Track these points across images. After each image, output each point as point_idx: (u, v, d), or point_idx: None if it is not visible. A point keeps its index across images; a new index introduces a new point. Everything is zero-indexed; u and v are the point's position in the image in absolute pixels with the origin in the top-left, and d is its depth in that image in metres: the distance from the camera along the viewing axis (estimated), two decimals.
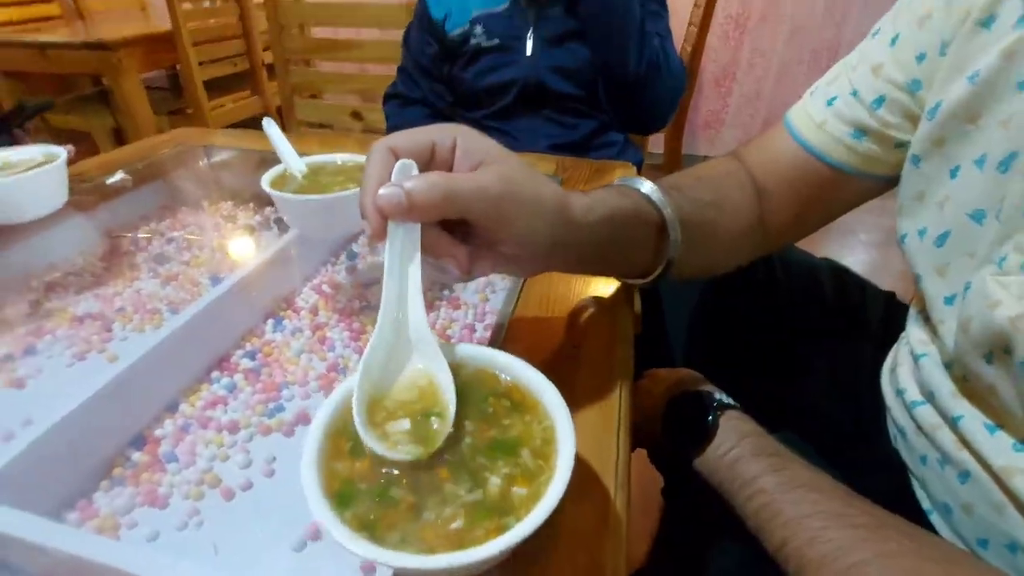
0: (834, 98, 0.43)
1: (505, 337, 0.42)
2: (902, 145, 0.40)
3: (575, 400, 0.35)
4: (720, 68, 2.38)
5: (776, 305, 0.58)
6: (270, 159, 0.54)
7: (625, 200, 0.37)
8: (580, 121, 1.01)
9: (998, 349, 0.31)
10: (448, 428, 0.26)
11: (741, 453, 0.38)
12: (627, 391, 0.37)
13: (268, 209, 0.68)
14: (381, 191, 0.27)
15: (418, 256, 0.29)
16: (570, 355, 0.40)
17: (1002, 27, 0.33)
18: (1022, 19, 0.32)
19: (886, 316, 0.55)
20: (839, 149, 0.43)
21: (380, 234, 0.28)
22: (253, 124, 0.72)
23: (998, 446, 0.33)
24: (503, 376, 0.29)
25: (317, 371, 0.44)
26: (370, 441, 0.25)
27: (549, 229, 0.31)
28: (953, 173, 0.36)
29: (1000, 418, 0.33)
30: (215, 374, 0.43)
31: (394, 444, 0.26)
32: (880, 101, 0.40)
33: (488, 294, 0.53)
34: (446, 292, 0.53)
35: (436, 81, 1.05)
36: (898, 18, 0.41)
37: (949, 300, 0.37)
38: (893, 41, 0.40)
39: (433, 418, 0.27)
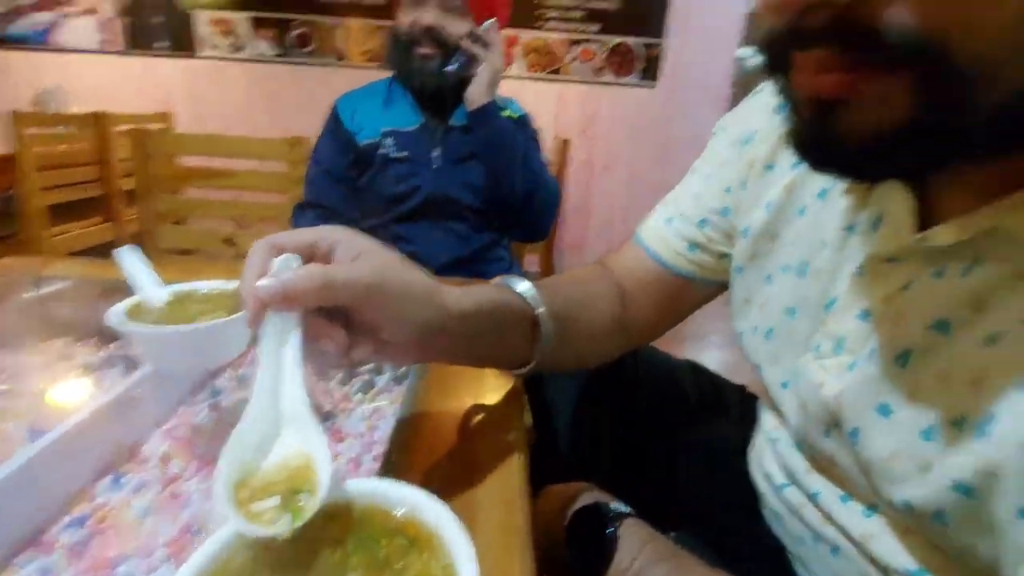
0: (671, 218, 0.53)
1: (396, 466, 0.40)
2: (727, 256, 0.48)
3: (475, 528, 0.33)
4: (579, 201, 2.76)
5: (645, 403, 0.63)
6: (121, 289, 0.49)
7: (500, 294, 0.41)
8: (475, 235, 1.10)
9: (831, 424, 0.36)
10: (318, 504, 0.25)
11: (644, 563, 0.38)
12: (527, 515, 0.36)
13: (114, 345, 0.60)
14: (260, 282, 0.29)
15: (296, 340, 0.30)
16: (465, 479, 0.39)
17: (782, 168, 0.43)
18: (795, 163, 0.42)
19: (742, 407, 0.62)
20: (680, 259, 0.51)
21: (256, 321, 0.30)
22: (104, 252, 0.66)
23: (852, 515, 0.37)
24: (396, 511, 0.27)
25: (166, 535, 0.37)
26: (234, 518, 0.24)
27: (421, 314, 0.34)
28: (768, 280, 0.44)
29: (848, 487, 0.38)
30: (24, 556, 0.34)
31: (259, 520, 0.24)
32: (704, 222, 0.50)
33: (375, 421, 0.50)
34: (328, 422, 0.49)
35: (347, 189, 1.10)
36: (706, 162, 0.52)
37: (785, 385, 0.42)
38: (706, 177, 0.51)
39: (304, 495, 0.26)
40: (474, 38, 1.03)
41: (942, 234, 0.29)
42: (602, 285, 0.53)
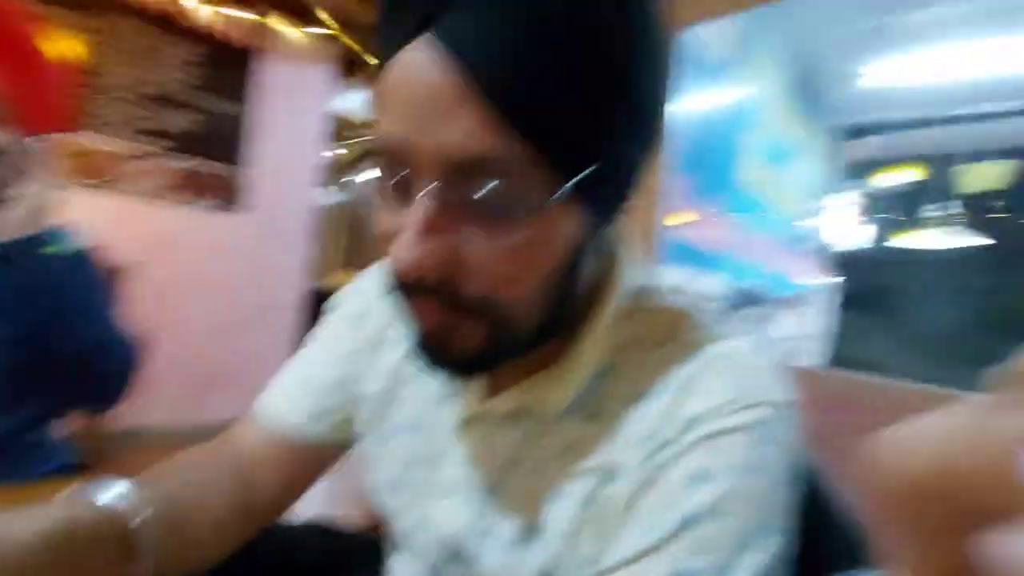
0: (291, 389, 0.53)
1: None
2: (348, 420, 0.53)
3: None
4: (150, 329, 2.34)
5: None
6: None
7: (70, 514, 0.34)
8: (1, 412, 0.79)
9: (456, 554, 0.44)
10: None
11: None
12: None
13: None
14: None
15: None
16: None
17: (392, 344, 0.50)
18: (399, 342, 0.50)
19: (371, 556, 0.65)
20: (302, 429, 0.51)
21: None
22: None
23: None
24: None
25: None
26: None
27: None
28: (387, 440, 0.50)
29: None
30: None
31: None
32: (323, 391, 0.52)
33: None
34: None
35: None
36: (322, 335, 0.56)
37: (415, 529, 0.48)
38: (324, 349, 0.54)
39: None
40: (12, 154, 0.80)
41: (499, 405, 0.42)
42: (220, 469, 0.48)
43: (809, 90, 2.69)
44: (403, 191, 0.32)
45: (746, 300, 2.44)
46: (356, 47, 2.84)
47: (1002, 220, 2.78)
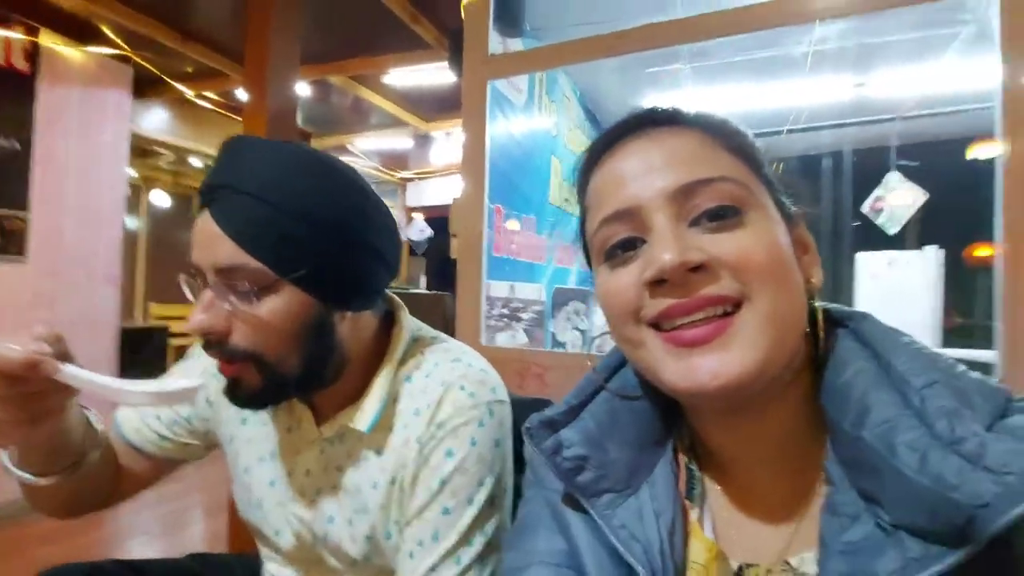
0: (145, 416, 0.69)
1: None
2: (189, 445, 0.70)
3: None
4: None
5: None
6: None
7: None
8: None
9: (314, 538, 0.62)
10: None
11: None
12: None
13: None
14: None
15: None
16: None
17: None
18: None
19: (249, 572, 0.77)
20: (149, 445, 0.69)
21: None
22: None
23: None
24: None
25: None
26: None
27: None
28: (247, 471, 0.66)
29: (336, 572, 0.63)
30: None
31: None
32: (175, 423, 0.69)
33: None
34: None
35: None
36: (183, 370, 0.70)
37: (278, 533, 0.64)
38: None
39: None
40: None
41: (326, 431, 0.61)
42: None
43: (598, 121, 3.23)
44: (197, 287, 0.55)
45: (566, 299, 2.87)
46: (149, 67, 2.63)
47: None
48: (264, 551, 0.70)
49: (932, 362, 0.34)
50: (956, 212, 2.97)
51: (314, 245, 0.52)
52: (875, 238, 3.29)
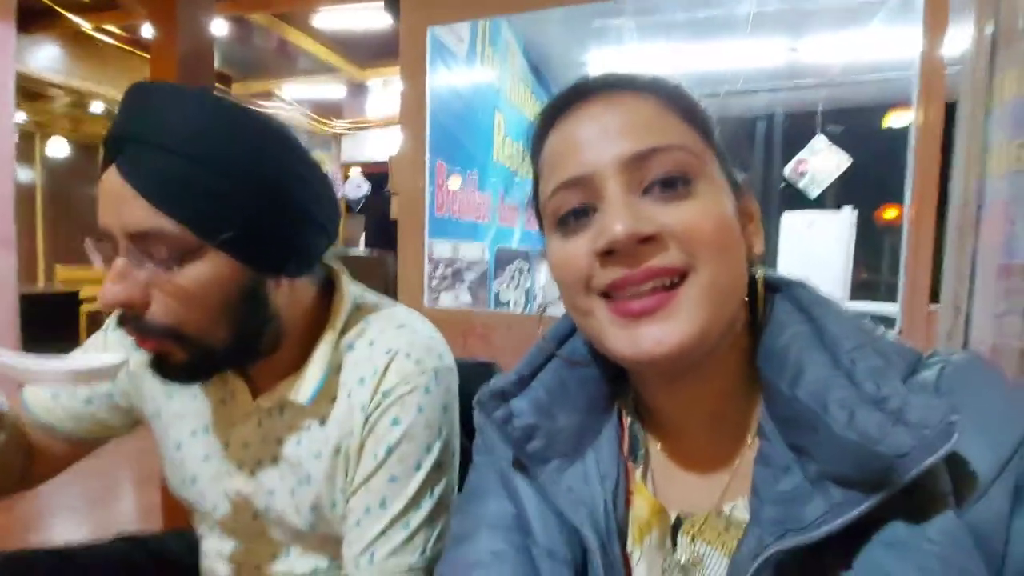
0: (57, 394, 0.63)
1: None
2: (104, 422, 0.66)
3: None
4: None
5: None
6: None
7: None
8: None
9: (249, 504, 0.60)
10: None
11: None
12: None
13: None
14: None
15: None
16: None
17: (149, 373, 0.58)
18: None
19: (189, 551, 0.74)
20: (68, 426, 0.64)
21: None
22: None
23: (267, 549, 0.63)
24: None
25: None
26: None
27: None
28: (179, 447, 0.64)
29: (278, 543, 0.62)
30: None
31: None
32: (89, 401, 0.64)
33: None
34: None
35: None
36: (93, 344, 0.65)
37: (216, 507, 0.62)
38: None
39: None
40: None
41: (263, 402, 0.58)
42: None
43: (543, 76, 3.16)
44: (108, 252, 0.48)
45: (509, 258, 2.87)
46: None
47: None
48: (202, 527, 0.67)
49: (858, 326, 0.36)
50: (872, 176, 3.19)
51: (241, 204, 0.48)
52: (799, 200, 3.49)
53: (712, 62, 2.97)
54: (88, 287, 4.97)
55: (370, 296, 0.65)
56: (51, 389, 0.63)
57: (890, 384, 0.32)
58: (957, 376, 0.34)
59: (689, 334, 0.34)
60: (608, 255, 0.35)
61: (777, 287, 0.40)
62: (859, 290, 3.51)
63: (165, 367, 0.51)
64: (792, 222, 3.56)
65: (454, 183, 2.18)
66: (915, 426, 0.29)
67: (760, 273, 0.40)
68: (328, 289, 0.62)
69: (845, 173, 3.43)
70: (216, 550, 0.65)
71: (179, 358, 0.51)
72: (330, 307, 0.60)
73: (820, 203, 3.58)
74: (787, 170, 3.58)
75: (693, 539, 0.39)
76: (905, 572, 0.30)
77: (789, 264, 3.55)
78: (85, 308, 4.65)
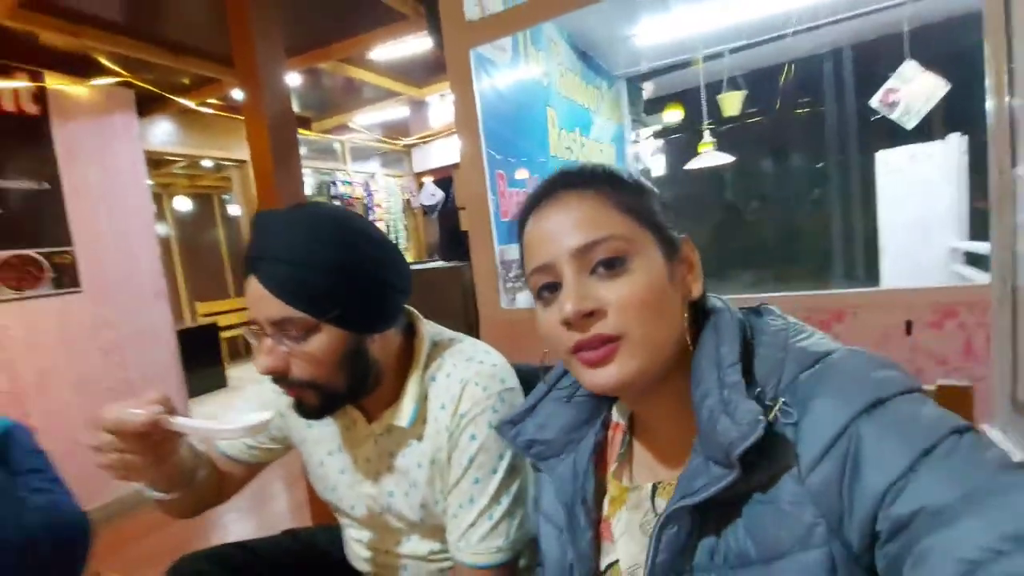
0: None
1: None
2: (272, 449, 0.87)
3: None
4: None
5: None
6: None
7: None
8: None
9: (383, 508, 0.79)
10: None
11: None
12: None
13: None
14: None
15: None
16: None
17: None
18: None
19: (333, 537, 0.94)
20: (245, 456, 0.86)
21: None
22: None
23: (412, 545, 0.81)
24: None
25: None
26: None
27: None
28: (321, 464, 0.83)
29: (401, 535, 0.82)
30: None
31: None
32: (257, 438, 0.85)
33: None
34: None
35: None
36: (254, 393, 0.86)
37: (353, 508, 0.82)
38: (257, 402, 0.84)
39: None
40: None
41: (375, 428, 0.76)
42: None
43: (591, 59, 3.15)
44: (259, 335, 0.67)
45: None
46: (151, 87, 2.71)
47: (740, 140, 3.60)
48: (344, 522, 0.87)
49: (742, 342, 0.49)
50: (981, 97, 2.82)
51: (341, 291, 0.65)
52: (896, 134, 3.16)
53: (766, 7, 2.80)
54: (222, 318, 5.71)
55: (446, 333, 0.80)
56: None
57: (737, 393, 0.44)
58: (823, 373, 0.44)
59: (627, 375, 0.48)
60: (567, 324, 0.49)
61: (709, 314, 0.52)
62: (977, 222, 3.13)
63: (304, 408, 0.70)
64: (889, 159, 3.26)
65: (521, 174, 2.28)
66: (738, 423, 0.42)
67: (697, 303, 0.53)
68: (410, 332, 0.77)
69: (948, 97, 3.05)
70: (356, 538, 0.84)
71: (313, 401, 0.69)
72: (413, 347, 0.75)
73: (924, 135, 3.18)
74: (874, 101, 3.26)
75: (664, 496, 0.53)
76: (766, 518, 0.43)
77: (890, 206, 3.24)
78: (224, 335, 5.37)
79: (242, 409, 0.84)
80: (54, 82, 2.39)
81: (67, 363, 2.41)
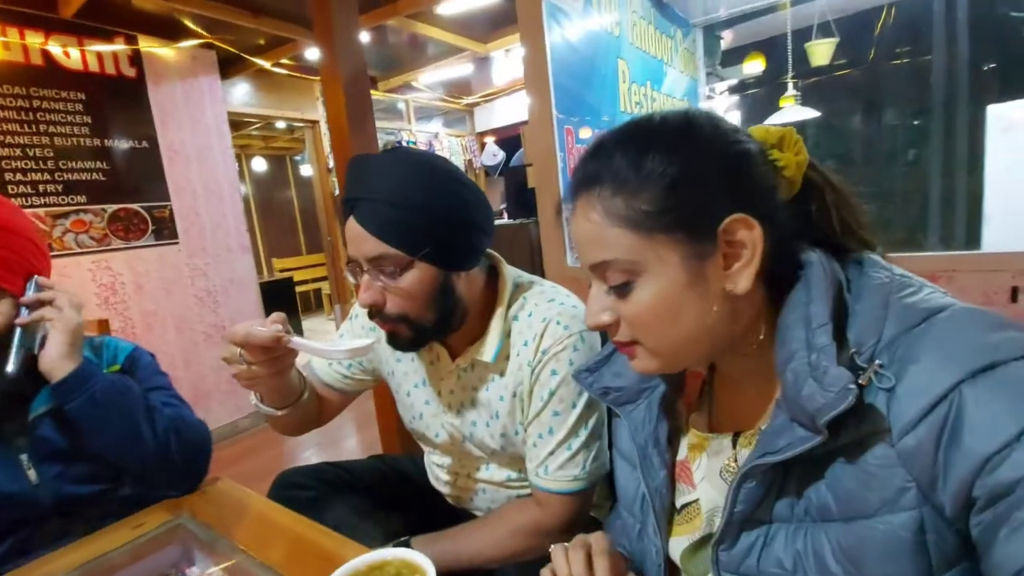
0: (331, 362, 0.95)
1: None
2: (363, 379, 0.95)
3: None
4: None
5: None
6: None
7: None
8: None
9: (463, 437, 0.86)
10: None
11: None
12: None
13: None
14: None
15: None
16: None
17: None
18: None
19: (417, 462, 1.00)
20: (337, 382, 0.94)
21: None
22: None
23: (491, 472, 0.88)
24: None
25: None
26: None
27: None
28: (408, 394, 0.91)
29: (482, 463, 0.89)
30: None
31: None
32: (351, 365, 0.94)
33: None
34: None
35: None
36: (349, 331, 0.91)
37: (438, 435, 0.90)
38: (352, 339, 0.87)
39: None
40: (30, 305, 0.80)
41: (461, 363, 0.81)
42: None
43: (665, 6, 2.97)
44: (357, 272, 0.72)
45: None
46: (231, 48, 2.83)
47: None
48: (427, 448, 0.95)
49: (835, 299, 0.45)
50: None
51: (431, 229, 0.68)
52: (1010, 84, 2.80)
53: None
54: (297, 273, 6.05)
55: (525, 276, 0.83)
56: (330, 360, 0.92)
57: (826, 357, 0.42)
58: (928, 332, 0.41)
59: (652, 368, 0.51)
60: None
61: (799, 268, 0.50)
62: None
63: (398, 340, 0.75)
64: (1001, 115, 2.90)
65: (585, 134, 2.23)
66: (825, 389, 0.41)
67: (783, 259, 0.49)
68: (493, 275, 0.80)
69: None
70: (438, 464, 0.91)
71: (406, 334, 0.74)
72: (497, 287, 0.79)
73: None
74: None
75: (745, 447, 0.54)
76: (850, 478, 0.43)
77: (1000, 168, 2.90)
78: (298, 289, 5.70)
79: (344, 338, 0.92)
80: (147, 45, 2.54)
81: (168, 307, 2.66)
